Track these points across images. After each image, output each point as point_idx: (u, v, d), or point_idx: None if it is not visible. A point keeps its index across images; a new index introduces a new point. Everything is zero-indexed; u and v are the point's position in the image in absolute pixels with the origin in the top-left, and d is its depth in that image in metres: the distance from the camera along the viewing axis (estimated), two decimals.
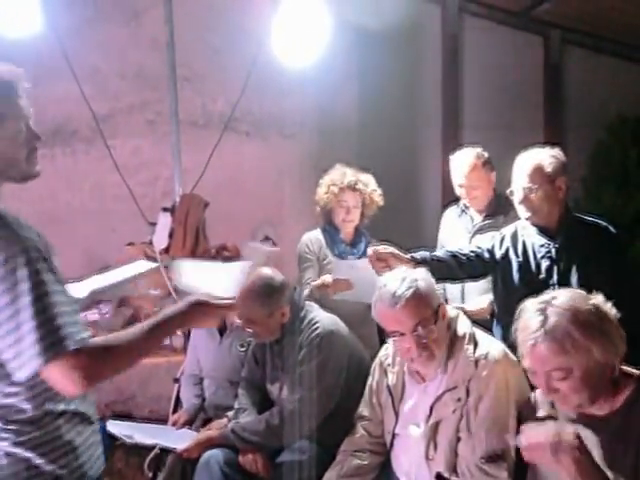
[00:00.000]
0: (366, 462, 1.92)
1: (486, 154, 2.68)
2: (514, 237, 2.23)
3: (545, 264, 2.13)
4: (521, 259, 2.17)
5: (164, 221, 3.25)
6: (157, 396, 3.31)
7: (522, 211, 2.12)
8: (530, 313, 1.41)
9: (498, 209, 2.68)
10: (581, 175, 4.61)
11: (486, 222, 2.70)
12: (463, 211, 2.81)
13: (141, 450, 2.70)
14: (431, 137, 4.44)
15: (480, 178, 2.64)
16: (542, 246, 2.14)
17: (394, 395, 1.88)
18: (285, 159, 3.81)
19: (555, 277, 2.10)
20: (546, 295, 1.44)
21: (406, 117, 4.35)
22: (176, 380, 2.77)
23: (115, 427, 2.41)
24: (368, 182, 2.71)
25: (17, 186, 1.30)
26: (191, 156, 3.21)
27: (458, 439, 1.70)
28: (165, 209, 3.28)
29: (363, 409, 2.00)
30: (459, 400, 1.70)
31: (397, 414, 1.87)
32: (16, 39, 2.64)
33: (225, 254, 2.49)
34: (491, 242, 2.28)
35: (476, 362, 1.72)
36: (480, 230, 2.70)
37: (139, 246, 3.45)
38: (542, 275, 2.13)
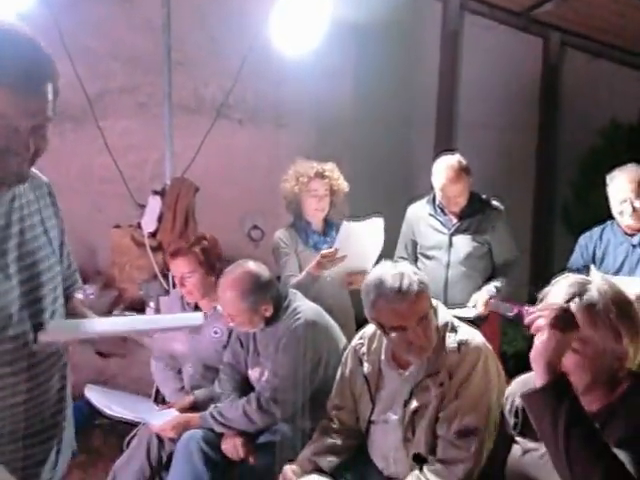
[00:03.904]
0: (339, 442, 1.94)
1: (464, 161, 2.78)
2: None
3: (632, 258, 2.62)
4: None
5: (154, 204, 3.22)
6: (138, 378, 3.28)
7: (632, 222, 2.63)
8: (568, 283, 1.31)
9: (475, 208, 2.83)
10: (571, 179, 4.62)
11: (466, 221, 2.84)
12: (441, 210, 2.89)
13: (120, 429, 2.68)
14: (425, 132, 4.44)
15: (463, 186, 2.76)
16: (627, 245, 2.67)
17: (371, 383, 1.89)
18: (278, 148, 3.79)
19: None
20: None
21: (401, 111, 4.34)
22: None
23: (93, 393, 2.31)
24: (333, 170, 2.80)
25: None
26: (181, 140, 3.18)
27: (437, 419, 1.74)
28: (155, 192, 3.25)
29: (335, 398, 2.02)
30: (441, 385, 1.74)
31: (374, 402, 1.88)
32: (9, 14, 2.61)
33: (204, 244, 2.51)
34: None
35: (458, 348, 1.76)
36: (461, 229, 2.84)
37: (126, 229, 3.43)
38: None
